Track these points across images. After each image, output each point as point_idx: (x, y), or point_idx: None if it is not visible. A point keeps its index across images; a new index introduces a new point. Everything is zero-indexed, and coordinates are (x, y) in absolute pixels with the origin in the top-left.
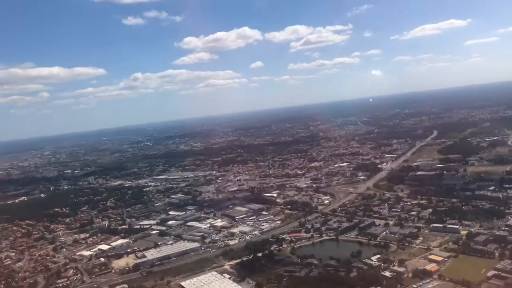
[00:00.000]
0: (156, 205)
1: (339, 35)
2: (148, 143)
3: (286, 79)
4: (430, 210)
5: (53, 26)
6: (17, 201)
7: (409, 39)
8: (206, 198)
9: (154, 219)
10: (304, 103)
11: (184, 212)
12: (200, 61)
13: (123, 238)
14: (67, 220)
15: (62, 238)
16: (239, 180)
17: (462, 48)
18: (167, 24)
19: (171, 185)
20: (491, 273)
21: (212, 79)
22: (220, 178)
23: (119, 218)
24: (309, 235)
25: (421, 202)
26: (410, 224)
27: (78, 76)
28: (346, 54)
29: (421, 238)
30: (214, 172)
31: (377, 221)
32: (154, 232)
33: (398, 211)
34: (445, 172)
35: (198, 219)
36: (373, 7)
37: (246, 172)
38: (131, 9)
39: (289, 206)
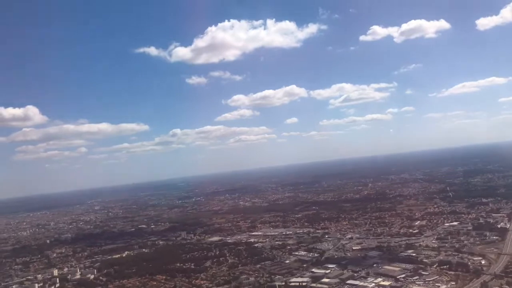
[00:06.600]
0: (286, 262)
1: (380, 93)
2: (199, 198)
3: (313, 134)
4: None
5: (117, 84)
6: (124, 255)
7: (445, 96)
8: (336, 256)
9: (301, 277)
10: (331, 158)
11: (329, 270)
12: (241, 117)
13: None
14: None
15: None
16: (351, 238)
17: (494, 105)
18: (225, 83)
19: (279, 242)
20: None
21: (244, 135)
22: (326, 236)
23: (261, 275)
24: None
25: None
26: None
27: (123, 132)
28: (381, 110)
29: None
30: (310, 229)
31: None
32: None
33: None
34: None
35: (353, 278)
36: (420, 66)
37: (352, 230)
38: (200, 69)
39: (446, 266)
